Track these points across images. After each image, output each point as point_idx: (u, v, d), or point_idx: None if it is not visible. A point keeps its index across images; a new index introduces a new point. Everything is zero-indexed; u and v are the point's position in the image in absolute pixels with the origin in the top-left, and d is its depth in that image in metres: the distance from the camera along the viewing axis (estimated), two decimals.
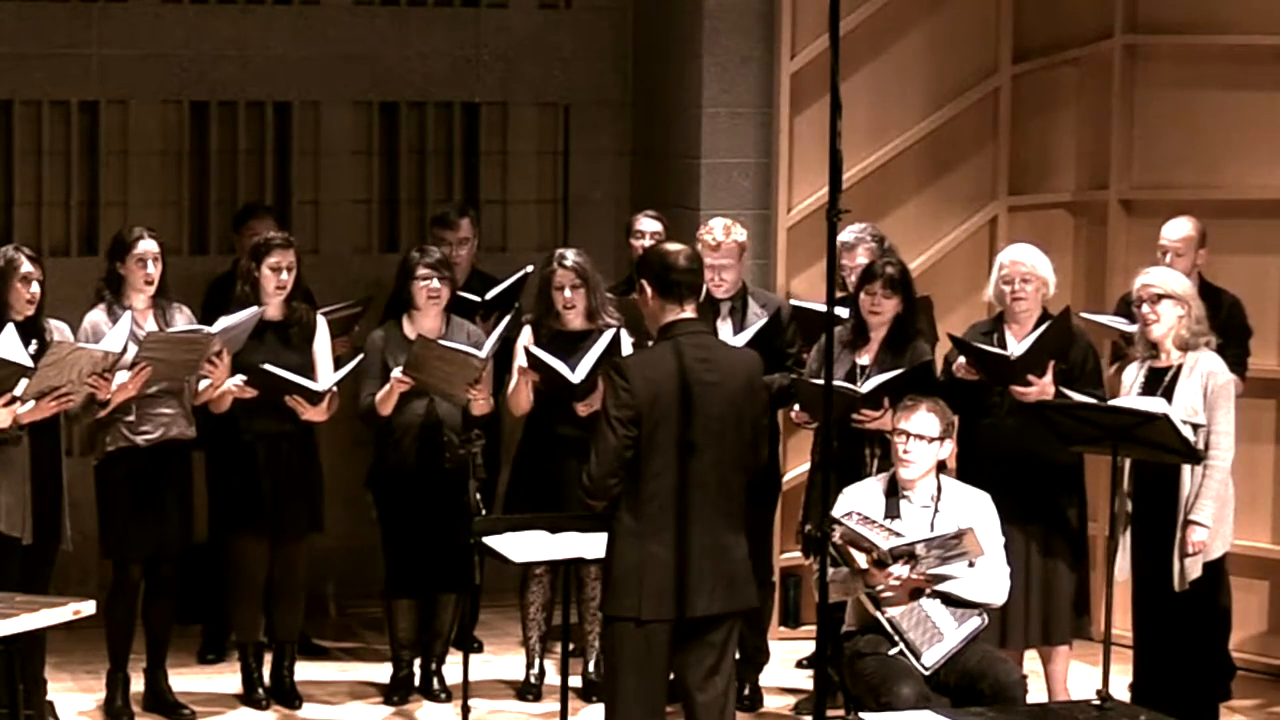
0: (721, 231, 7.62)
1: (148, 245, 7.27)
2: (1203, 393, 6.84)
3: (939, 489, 6.69)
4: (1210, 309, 7.34)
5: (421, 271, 7.57)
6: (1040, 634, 7.17)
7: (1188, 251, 7.70)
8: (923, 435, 6.63)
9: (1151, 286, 6.94)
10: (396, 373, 7.44)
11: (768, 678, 7.92)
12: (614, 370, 5.56)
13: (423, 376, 7.41)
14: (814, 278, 8.67)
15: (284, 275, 7.48)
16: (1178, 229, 7.75)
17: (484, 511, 6.56)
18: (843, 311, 7.34)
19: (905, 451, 6.64)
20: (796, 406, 7.45)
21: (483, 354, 7.41)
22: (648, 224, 8.23)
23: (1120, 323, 7.65)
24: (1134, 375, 7.04)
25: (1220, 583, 7.09)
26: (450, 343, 7.46)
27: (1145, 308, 6.95)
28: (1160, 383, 6.92)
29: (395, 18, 9.37)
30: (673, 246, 5.68)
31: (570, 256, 7.60)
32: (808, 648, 8.27)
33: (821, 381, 6.79)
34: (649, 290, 5.57)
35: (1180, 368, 6.89)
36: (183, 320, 7.37)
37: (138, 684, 7.54)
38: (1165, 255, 7.65)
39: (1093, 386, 7.09)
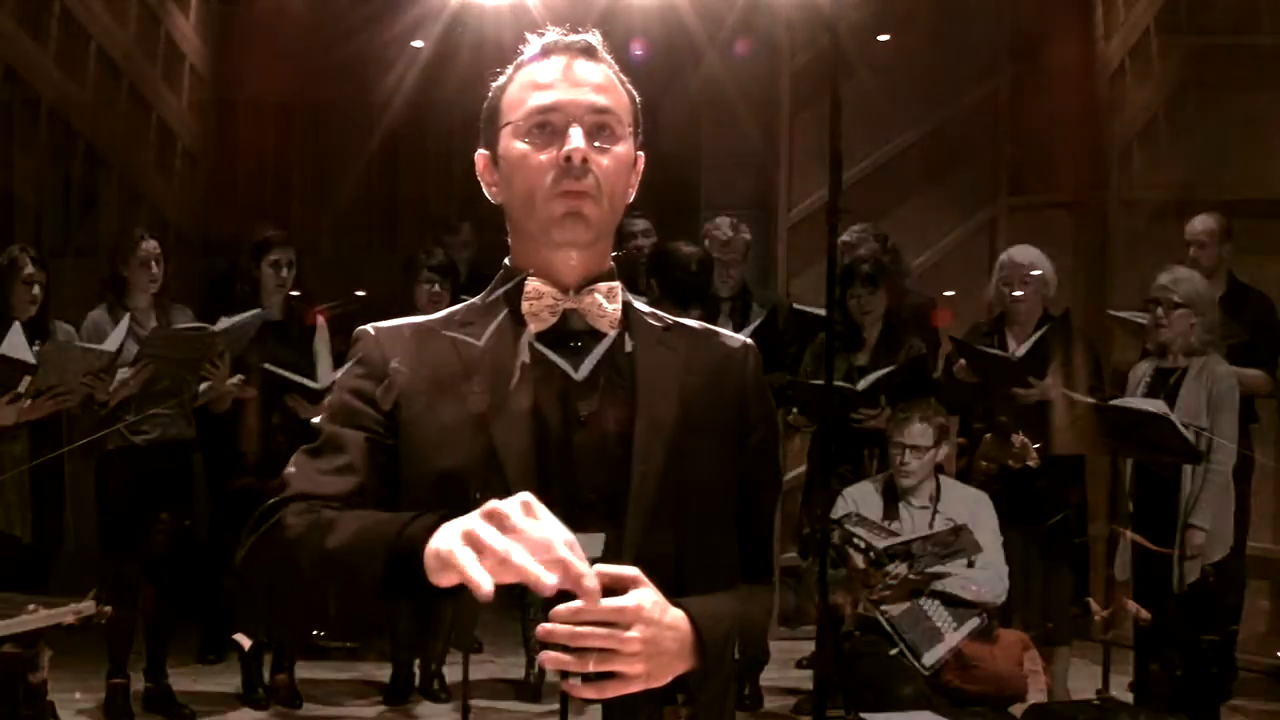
0: (730, 229, 7.64)
1: (150, 246, 7.28)
2: (1206, 397, 6.82)
3: (938, 488, 6.68)
4: (1236, 306, 7.32)
5: (425, 275, 7.58)
6: (1039, 634, 7.16)
7: (1211, 244, 7.69)
8: (918, 446, 6.64)
9: (1168, 291, 6.91)
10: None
11: (768, 678, 7.92)
12: None
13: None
14: (814, 278, 8.66)
15: (284, 272, 7.48)
16: (1202, 221, 7.75)
17: None
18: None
19: (903, 464, 6.66)
20: (794, 410, 7.45)
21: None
22: (636, 223, 8.21)
23: (1146, 318, 7.64)
24: (1141, 374, 7.03)
25: (1220, 584, 7.08)
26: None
27: (1159, 310, 6.93)
28: (1165, 384, 6.91)
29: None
30: (686, 249, 5.65)
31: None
32: (808, 648, 8.27)
33: (817, 382, 6.83)
34: (656, 290, 5.57)
35: (1186, 370, 6.88)
36: (185, 320, 7.37)
37: (138, 684, 7.54)
38: (1189, 247, 7.66)
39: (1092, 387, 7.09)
